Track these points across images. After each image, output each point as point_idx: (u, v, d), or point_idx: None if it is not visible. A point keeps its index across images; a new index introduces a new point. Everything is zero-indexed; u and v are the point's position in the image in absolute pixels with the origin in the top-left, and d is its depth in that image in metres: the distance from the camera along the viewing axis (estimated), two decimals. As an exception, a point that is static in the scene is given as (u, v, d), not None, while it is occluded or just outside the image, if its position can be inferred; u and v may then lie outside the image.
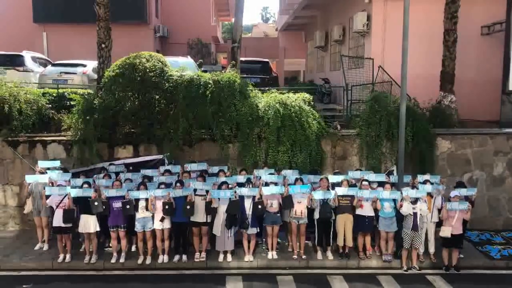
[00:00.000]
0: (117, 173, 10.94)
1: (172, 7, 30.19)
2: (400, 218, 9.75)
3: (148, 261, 9.88)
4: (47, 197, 9.96)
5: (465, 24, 13.46)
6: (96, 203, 9.56)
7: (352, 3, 17.21)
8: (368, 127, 11.76)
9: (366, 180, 10.21)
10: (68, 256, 9.95)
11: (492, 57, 14.32)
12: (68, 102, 12.77)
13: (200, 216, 9.81)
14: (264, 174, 10.66)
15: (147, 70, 11.52)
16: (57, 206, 9.82)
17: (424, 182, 10.22)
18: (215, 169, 10.94)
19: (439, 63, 13.24)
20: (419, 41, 13.78)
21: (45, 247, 10.55)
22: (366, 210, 9.88)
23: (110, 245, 10.17)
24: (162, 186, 9.87)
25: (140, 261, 9.88)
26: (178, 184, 9.92)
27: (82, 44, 21.37)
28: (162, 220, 9.67)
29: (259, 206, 9.74)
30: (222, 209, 9.75)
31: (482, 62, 14.64)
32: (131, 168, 11.26)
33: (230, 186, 9.93)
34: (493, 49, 14.40)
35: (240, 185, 10.27)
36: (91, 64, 15.86)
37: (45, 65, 16.97)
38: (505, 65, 13.27)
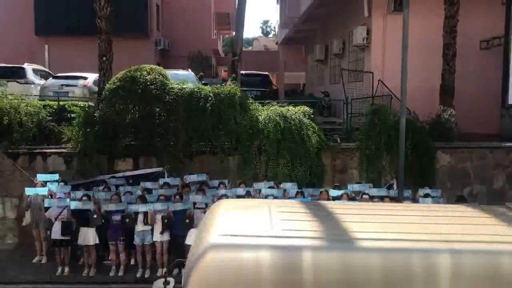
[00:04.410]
0: (117, 186, 10.93)
1: (173, 20, 30.42)
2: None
3: (147, 274, 9.82)
4: (46, 209, 9.94)
5: (464, 38, 13.55)
6: (95, 216, 9.54)
7: (352, 17, 17.35)
8: (368, 141, 11.76)
9: (367, 194, 10.18)
10: (66, 269, 9.90)
11: (491, 71, 14.39)
12: (68, 115, 12.80)
13: (199, 229, 9.75)
14: (264, 187, 10.63)
15: (148, 83, 11.56)
16: (56, 218, 9.80)
17: (425, 196, 10.21)
18: (215, 182, 10.92)
19: (439, 76, 13.30)
20: (418, 55, 13.85)
21: (44, 260, 10.49)
22: (366, 224, 9.82)
23: (109, 258, 10.12)
24: (162, 197, 9.85)
25: (139, 274, 9.82)
26: (177, 197, 9.91)
27: (83, 56, 21.49)
28: (162, 232, 9.64)
29: (259, 219, 9.68)
30: (222, 222, 9.70)
31: (481, 76, 14.72)
32: (130, 181, 11.25)
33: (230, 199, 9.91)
34: (492, 63, 14.48)
35: (240, 197, 10.23)
36: (92, 77, 15.92)
37: (46, 78, 17.04)
38: (504, 79, 13.35)
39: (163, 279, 4.57)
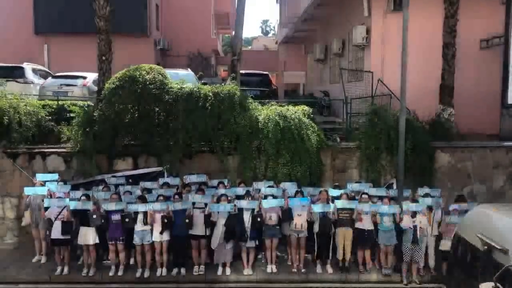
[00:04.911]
0: (116, 186, 10.92)
1: (173, 19, 30.40)
2: (400, 231, 9.71)
3: (146, 274, 9.81)
4: (46, 209, 9.93)
5: (464, 37, 13.53)
6: (94, 216, 9.53)
7: (352, 16, 17.33)
8: (368, 140, 11.75)
9: (366, 194, 10.19)
10: (66, 269, 9.90)
11: (491, 71, 14.37)
12: (68, 114, 12.78)
13: (199, 229, 9.76)
14: (263, 187, 10.63)
15: (147, 83, 11.54)
16: (55, 218, 9.79)
17: (425, 196, 10.20)
18: (214, 182, 10.92)
19: (438, 76, 13.29)
20: (418, 54, 13.85)
21: (43, 259, 10.49)
22: (366, 224, 9.84)
23: (109, 258, 10.11)
24: (161, 198, 9.84)
25: (138, 274, 9.82)
26: (176, 197, 9.90)
27: (83, 56, 21.45)
28: (161, 232, 9.64)
29: (258, 219, 9.70)
30: (221, 221, 9.72)
31: (481, 75, 14.69)
32: (130, 180, 11.25)
33: (229, 198, 9.90)
34: (492, 63, 14.46)
35: (239, 197, 10.24)
36: (92, 76, 15.90)
37: (45, 77, 17.01)
38: (503, 78, 13.33)
39: (492, 283, 4.52)
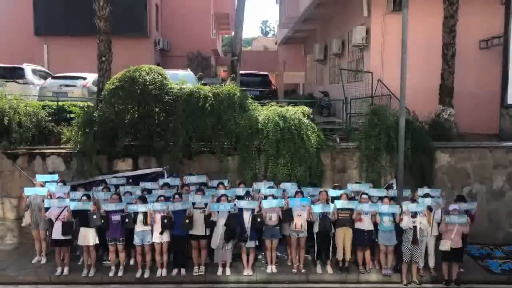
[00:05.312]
0: (117, 186, 10.92)
1: (173, 20, 30.44)
2: (399, 232, 9.72)
3: (146, 274, 9.81)
4: (46, 209, 9.93)
5: (464, 38, 13.56)
6: (94, 216, 9.53)
7: (351, 17, 17.35)
8: (368, 141, 11.75)
9: (366, 194, 10.19)
10: (66, 269, 9.89)
11: (491, 71, 14.39)
12: (68, 115, 12.78)
13: (199, 229, 9.76)
14: (264, 187, 10.63)
15: (147, 83, 11.54)
16: (56, 219, 9.79)
17: (425, 196, 10.21)
18: (214, 182, 10.92)
19: (438, 76, 13.30)
20: (418, 54, 13.87)
21: (43, 260, 10.49)
22: (365, 224, 9.84)
23: (109, 259, 10.10)
24: (161, 198, 9.84)
25: (138, 274, 9.81)
26: (176, 197, 9.90)
27: (82, 56, 21.45)
28: (161, 233, 9.64)
29: (258, 219, 9.70)
30: (221, 222, 9.72)
31: (481, 75, 14.71)
32: (130, 180, 11.25)
33: (229, 199, 9.90)
34: (491, 63, 14.48)
35: (239, 197, 10.25)
36: (91, 77, 15.89)
37: (45, 78, 17.02)
38: (503, 78, 13.35)
39: None
